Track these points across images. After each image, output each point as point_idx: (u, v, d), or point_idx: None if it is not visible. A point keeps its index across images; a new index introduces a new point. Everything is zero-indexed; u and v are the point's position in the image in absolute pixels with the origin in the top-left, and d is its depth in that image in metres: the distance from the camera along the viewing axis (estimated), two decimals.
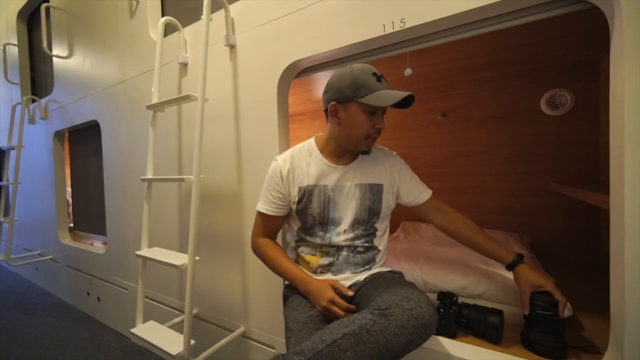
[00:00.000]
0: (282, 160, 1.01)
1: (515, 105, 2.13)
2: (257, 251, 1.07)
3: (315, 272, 1.00)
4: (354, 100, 0.87)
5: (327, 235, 0.99)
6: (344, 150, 0.99)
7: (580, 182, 1.84)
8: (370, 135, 0.92)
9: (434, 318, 0.75)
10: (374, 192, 0.98)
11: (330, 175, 0.98)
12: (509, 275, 1.24)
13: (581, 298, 1.31)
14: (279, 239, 1.24)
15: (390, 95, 0.85)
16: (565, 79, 1.96)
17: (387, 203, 1.01)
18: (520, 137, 2.13)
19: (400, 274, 1.04)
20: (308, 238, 1.02)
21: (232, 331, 1.40)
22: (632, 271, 0.67)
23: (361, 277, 0.99)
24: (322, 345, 0.69)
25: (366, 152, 1.00)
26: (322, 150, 1.01)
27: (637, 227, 0.67)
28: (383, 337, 0.68)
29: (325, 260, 1.00)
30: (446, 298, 1.06)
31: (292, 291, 1.00)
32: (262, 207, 1.04)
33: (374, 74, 0.88)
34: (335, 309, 0.84)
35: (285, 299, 1.02)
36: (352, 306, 0.86)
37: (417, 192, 1.05)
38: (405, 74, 1.96)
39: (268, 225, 1.06)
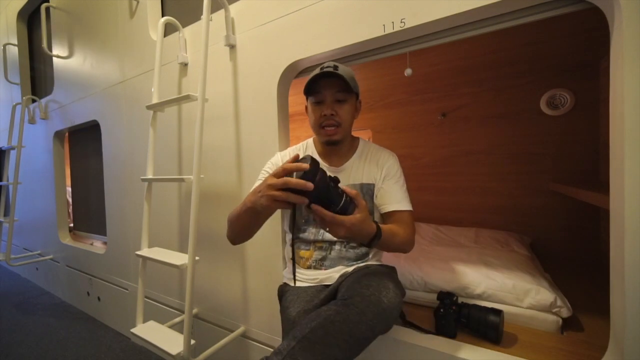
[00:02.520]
0: (282, 154, 1.05)
1: (515, 105, 2.13)
2: (230, 225, 0.91)
3: (309, 268, 1.02)
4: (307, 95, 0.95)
5: (320, 231, 1.01)
6: (327, 147, 1.00)
7: (580, 182, 1.84)
8: (322, 124, 0.94)
9: (394, 301, 0.76)
10: (364, 191, 0.99)
11: None
12: (509, 275, 1.25)
13: (581, 298, 1.31)
14: (279, 237, 1.24)
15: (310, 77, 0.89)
16: (565, 79, 1.96)
17: None
18: (520, 137, 2.13)
19: (393, 268, 1.03)
20: (302, 234, 1.03)
21: (232, 331, 1.40)
22: (632, 271, 0.67)
23: (350, 269, 0.98)
24: (294, 342, 0.69)
25: (332, 143, 0.97)
26: (317, 150, 1.04)
27: (637, 227, 0.66)
28: (346, 325, 0.69)
29: (318, 255, 1.01)
30: (446, 298, 1.06)
31: (285, 288, 1.02)
32: None
33: (321, 66, 0.91)
34: (276, 183, 0.67)
35: (280, 297, 1.02)
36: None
37: (387, 198, 0.96)
38: (405, 74, 1.97)
39: None
